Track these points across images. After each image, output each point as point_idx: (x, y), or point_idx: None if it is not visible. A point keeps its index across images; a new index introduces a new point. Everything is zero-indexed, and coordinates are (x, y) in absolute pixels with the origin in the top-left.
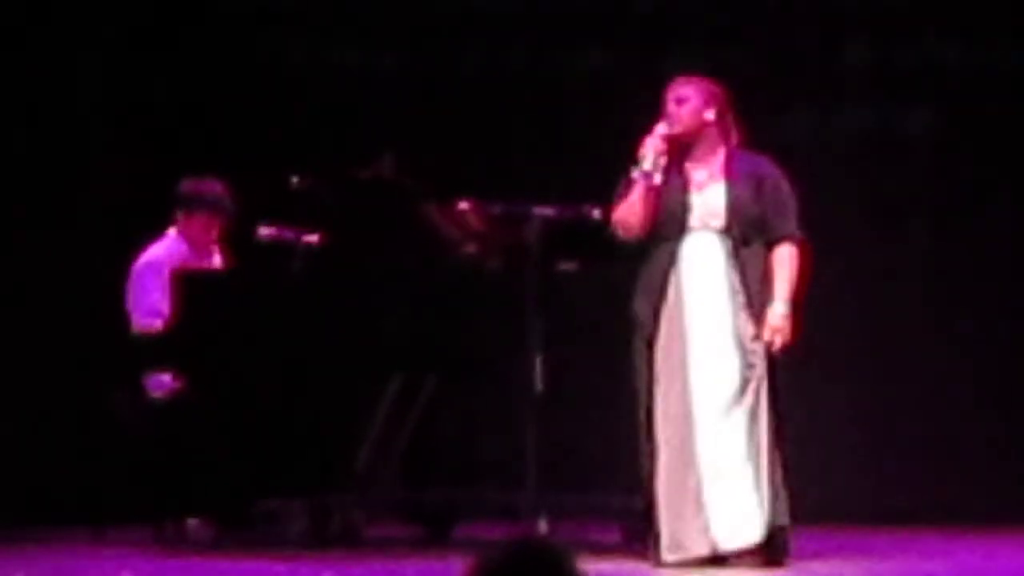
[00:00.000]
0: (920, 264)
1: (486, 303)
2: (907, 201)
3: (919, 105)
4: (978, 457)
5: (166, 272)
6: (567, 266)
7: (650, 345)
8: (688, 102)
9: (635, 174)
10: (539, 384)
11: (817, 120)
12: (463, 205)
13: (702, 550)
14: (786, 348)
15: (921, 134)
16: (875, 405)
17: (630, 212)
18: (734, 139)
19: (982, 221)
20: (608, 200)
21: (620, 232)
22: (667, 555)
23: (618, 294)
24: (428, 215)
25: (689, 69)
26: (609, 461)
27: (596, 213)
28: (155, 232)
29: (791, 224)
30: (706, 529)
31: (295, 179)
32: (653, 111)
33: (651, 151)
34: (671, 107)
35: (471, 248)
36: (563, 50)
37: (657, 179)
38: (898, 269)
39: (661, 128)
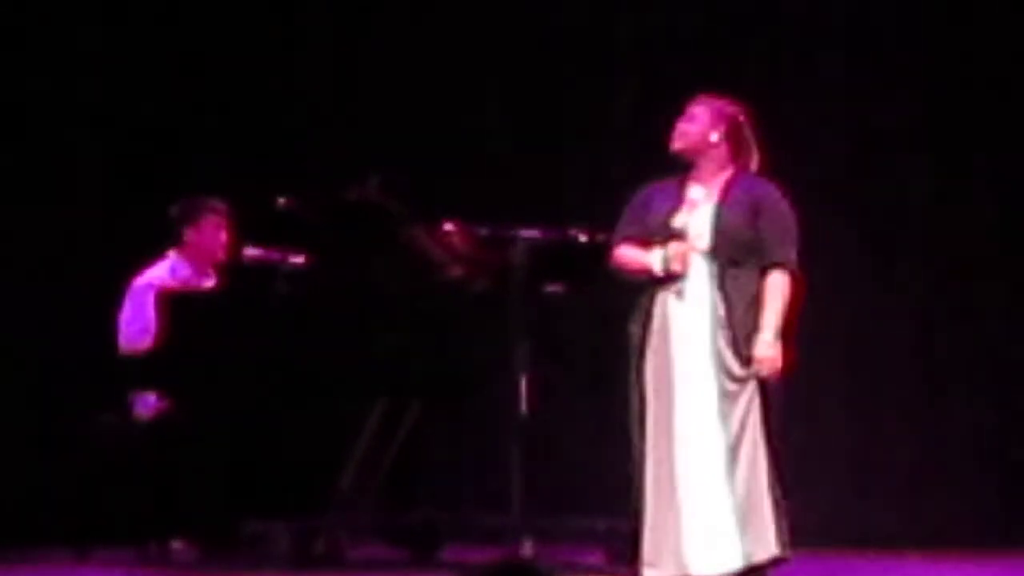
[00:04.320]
0: (909, 288)
1: (472, 325)
2: (897, 219)
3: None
4: (963, 480)
5: None
6: (553, 288)
7: (639, 367)
8: (695, 121)
9: (656, 265)
10: (524, 406)
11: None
12: (449, 227)
13: (674, 571)
14: (774, 378)
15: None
16: (860, 428)
17: (625, 268)
18: (749, 163)
19: (970, 242)
20: (593, 221)
21: (612, 269)
22: (646, 571)
23: (604, 316)
24: (414, 237)
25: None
26: (594, 484)
27: (582, 236)
28: (139, 252)
29: (785, 252)
30: (680, 551)
31: (281, 200)
32: (629, 130)
33: (679, 262)
34: (680, 122)
35: (457, 270)
36: (548, 69)
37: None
38: (886, 294)
39: (699, 245)
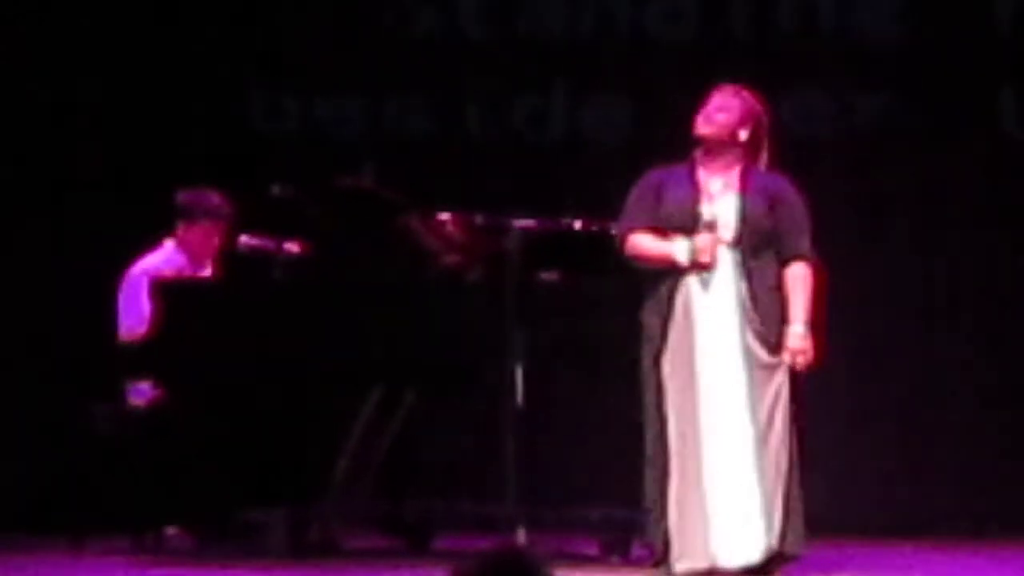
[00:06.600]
0: (906, 280)
1: (466, 314)
2: (894, 206)
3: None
4: (962, 471)
5: None
6: (548, 277)
7: (657, 358)
8: (728, 112)
9: (681, 256)
10: (519, 396)
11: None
12: (444, 216)
13: (702, 564)
14: (809, 369)
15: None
16: (860, 418)
17: (644, 257)
18: (761, 160)
19: (969, 229)
20: (588, 211)
21: (626, 257)
22: (676, 566)
23: (601, 305)
24: (409, 225)
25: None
26: (589, 473)
27: (577, 224)
28: (139, 240)
29: (805, 244)
30: (707, 544)
31: (276, 188)
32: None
33: (707, 254)
34: (711, 109)
35: (452, 259)
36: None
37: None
38: (884, 287)
39: (723, 235)
